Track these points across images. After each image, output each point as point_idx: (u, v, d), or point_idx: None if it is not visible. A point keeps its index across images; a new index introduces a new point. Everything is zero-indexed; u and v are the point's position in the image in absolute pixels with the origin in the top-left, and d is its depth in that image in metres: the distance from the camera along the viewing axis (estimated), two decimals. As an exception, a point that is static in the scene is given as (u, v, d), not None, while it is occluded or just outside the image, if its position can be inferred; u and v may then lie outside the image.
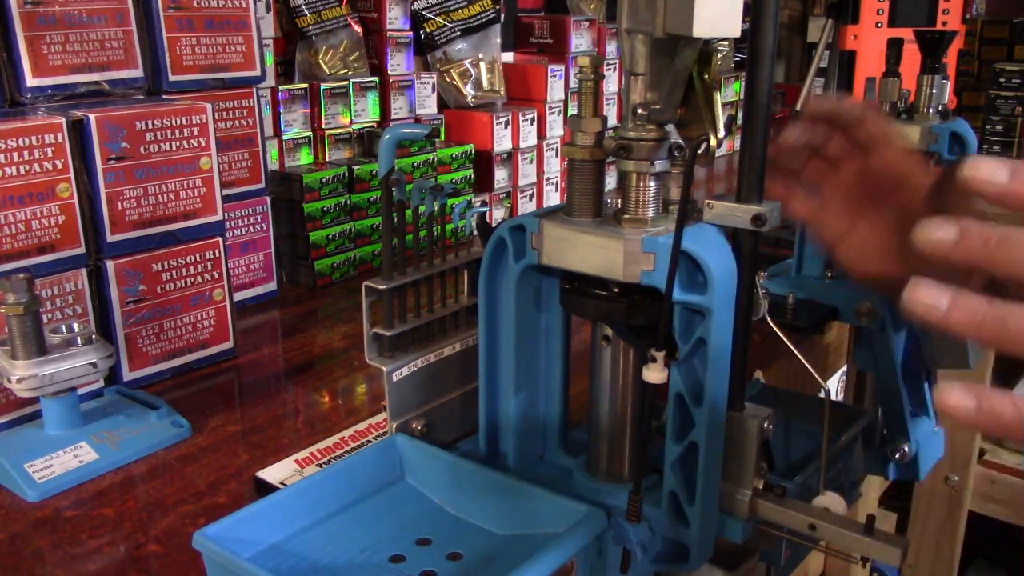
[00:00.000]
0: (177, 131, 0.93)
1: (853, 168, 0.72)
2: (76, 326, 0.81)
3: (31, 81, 0.91)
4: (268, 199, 1.18)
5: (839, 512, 0.57)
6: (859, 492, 0.83)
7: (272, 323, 1.16)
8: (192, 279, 0.97)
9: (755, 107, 0.52)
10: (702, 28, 0.49)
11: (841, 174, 0.72)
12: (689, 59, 0.54)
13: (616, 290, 0.57)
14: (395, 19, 1.47)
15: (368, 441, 0.82)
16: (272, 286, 1.22)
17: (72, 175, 0.85)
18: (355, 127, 1.40)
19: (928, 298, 0.37)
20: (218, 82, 1.08)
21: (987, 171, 0.37)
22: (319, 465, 0.77)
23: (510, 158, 1.57)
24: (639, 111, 0.54)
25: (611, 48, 1.86)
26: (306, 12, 1.38)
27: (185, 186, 0.95)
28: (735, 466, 0.57)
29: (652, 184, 0.55)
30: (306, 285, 1.29)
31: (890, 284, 0.63)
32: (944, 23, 2.31)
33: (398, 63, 1.48)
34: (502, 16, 1.65)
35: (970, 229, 0.37)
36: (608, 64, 1.86)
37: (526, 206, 1.63)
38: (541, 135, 1.64)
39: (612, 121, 1.78)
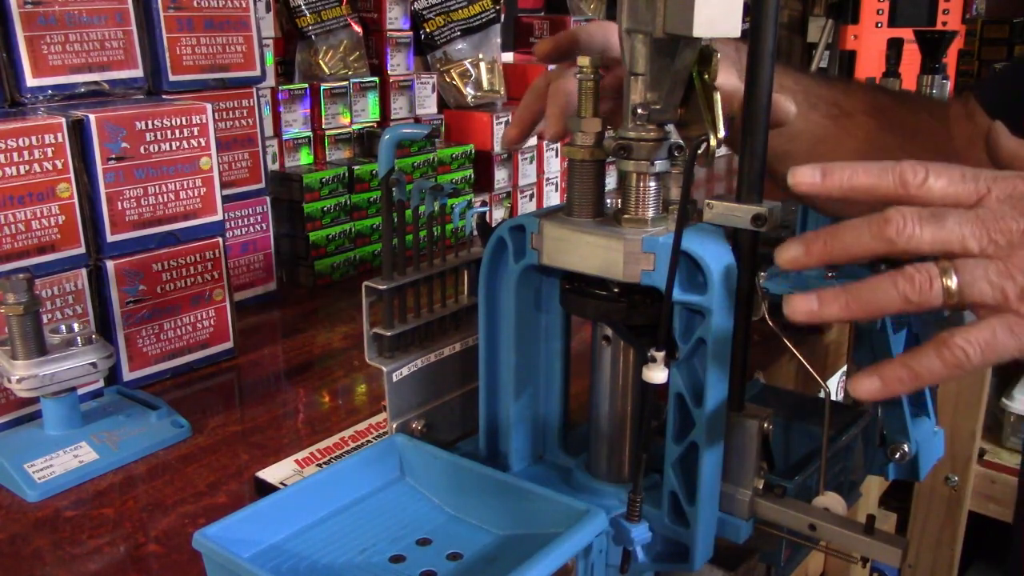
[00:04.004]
0: (177, 131, 0.93)
1: None
2: (76, 326, 0.81)
3: (31, 81, 0.91)
4: (268, 199, 1.18)
5: (839, 512, 0.57)
6: (859, 492, 0.83)
7: (272, 323, 1.16)
8: (192, 279, 0.97)
9: (755, 107, 0.52)
10: (702, 28, 0.49)
11: None
12: (689, 59, 0.54)
13: (616, 290, 0.57)
14: (395, 19, 1.47)
15: (368, 441, 0.82)
16: (272, 286, 1.21)
17: (72, 175, 0.85)
18: (355, 127, 1.40)
19: (802, 304, 0.47)
20: (218, 82, 1.08)
21: (806, 175, 0.47)
22: (319, 465, 0.77)
23: (510, 158, 1.57)
24: (639, 111, 0.54)
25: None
26: (306, 12, 1.38)
27: (185, 186, 0.95)
28: (735, 466, 0.57)
29: (652, 184, 0.55)
30: (306, 285, 1.29)
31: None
32: (944, 23, 2.31)
33: (398, 63, 1.48)
34: (502, 16, 1.65)
35: (809, 241, 0.47)
36: (608, 64, 1.86)
37: (526, 206, 1.63)
38: (541, 135, 1.64)
39: (612, 121, 1.78)
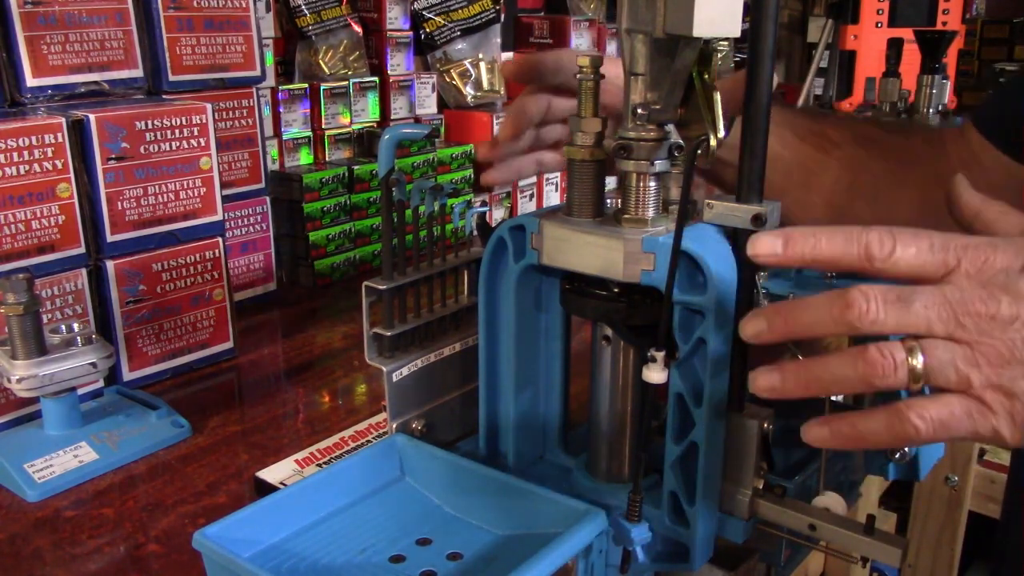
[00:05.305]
0: (177, 131, 0.93)
1: None
2: (76, 326, 0.81)
3: (31, 81, 0.91)
4: (268, 199, 1.18)
5: (839, 512, 0.57)
6: (859, 492, 0.83)
7: (272, 323, 1.16)
8: (192, 279, 0.97)
9: (755, 107, 0.51)
10: (702, 28, 0.49)
11: None
12: (689, 59, 0.54)
13: (616, 290, 0.57)
14: (395, 19, 1.47)
15: (368, 441, 0.82)
16: (272, 286, 1.21)
17: (72, 175, 0.85)
18: (355, 127, 1.40)
19: (765, 379, 0.47)
20: (218, 82, 1.08)
21: (766, 246, 0.46)
22: (319, 465, 0.77)
23: (510, 158, 1.57)
24: (639, 111, 0.54)
25: (611, 48, 1.86)
26: (306, 12, 1.38)
27: (185, 186, 0.95)
28: (735, 466, 0.57)
29: (652, 184, 0.55)
30: (306, 285, 1.29)
31: None
32: (944, 23, 2.31)
33: (398, 63, 1.48)
34: (502, 16, 1.65)
35: (770, 316, 0.46)
36: (608, 64, 1.86)
37: (526, 206, 1.63)
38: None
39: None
